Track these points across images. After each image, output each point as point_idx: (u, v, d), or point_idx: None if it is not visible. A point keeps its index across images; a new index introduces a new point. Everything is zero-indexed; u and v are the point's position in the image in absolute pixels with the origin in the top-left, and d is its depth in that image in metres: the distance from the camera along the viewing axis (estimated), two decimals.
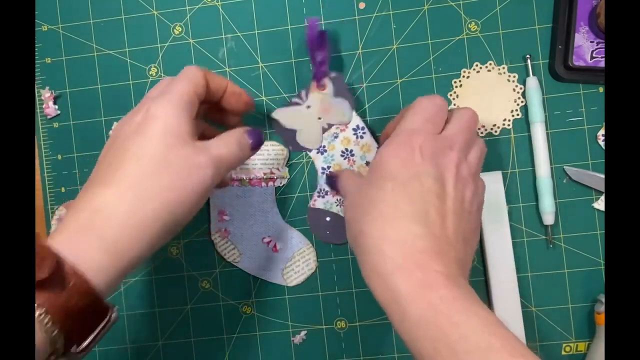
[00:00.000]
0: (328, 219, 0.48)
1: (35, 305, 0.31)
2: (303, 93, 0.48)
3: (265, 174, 0.49)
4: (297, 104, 0.48)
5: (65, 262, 0.31)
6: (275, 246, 0.49)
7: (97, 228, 0.33)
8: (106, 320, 0.34)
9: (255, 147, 0.40)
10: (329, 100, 0.47)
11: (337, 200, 0.48)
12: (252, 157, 0.44)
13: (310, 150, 0.48)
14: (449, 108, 0.43)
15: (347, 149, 0.48)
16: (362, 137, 0.48)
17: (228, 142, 0.38)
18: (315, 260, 0.49)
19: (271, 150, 0.49)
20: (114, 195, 0.34)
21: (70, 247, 0.32)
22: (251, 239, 0.50)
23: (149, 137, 0.35)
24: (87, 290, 0.32)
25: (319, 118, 0.48)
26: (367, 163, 0.47)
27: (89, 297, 0.32)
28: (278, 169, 0.49)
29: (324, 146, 0.48)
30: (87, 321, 0.33)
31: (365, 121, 0.48)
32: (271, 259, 0.49)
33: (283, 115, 0.48)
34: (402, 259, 0.33)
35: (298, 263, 0.49)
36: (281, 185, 0.49)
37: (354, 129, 0.48)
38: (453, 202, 0.36)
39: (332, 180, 0.45)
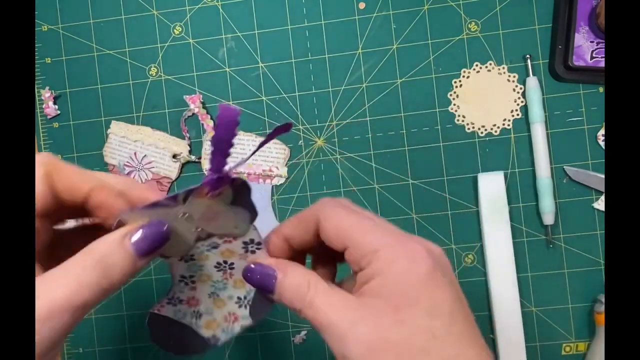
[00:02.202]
0: (175, 329, 0.34)
1: None
2: (180, 196, 0.29)
3: (264, 170, 0.49)
4: (166, 205, 0.29)
5: None
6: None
7: None
8: None
9: (145, 251, 0.27)
10: (218, 209, 0.30)
11: (193, 311, 0.34)
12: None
13: (167, 258, 0.32)
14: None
15: (226, 262, 0.33)
16: (253, 252, 0.32)
17: (80, 272, 0.25)
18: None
19: (272, 148, 0.49)
20: None
21: None
22: None
23: None
24: None
25: (197, 229, 0.31)
26: None
27: None
28: (277, 167, 0.49)
29: (192, 255, 0.32)
30: None
31: (263, 237, 0.34)
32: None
33: (144, 216, 0.29)
34: None
35: None
36: (278, 184, 0.49)
37: (244, 242, 0.32)
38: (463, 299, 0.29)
39: (264, 277, 0.30)
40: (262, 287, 0.30)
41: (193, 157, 0.50)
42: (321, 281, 0.28)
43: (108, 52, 0.51)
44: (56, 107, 0.51)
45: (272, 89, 0.50)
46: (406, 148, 0.49)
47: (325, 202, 0.30)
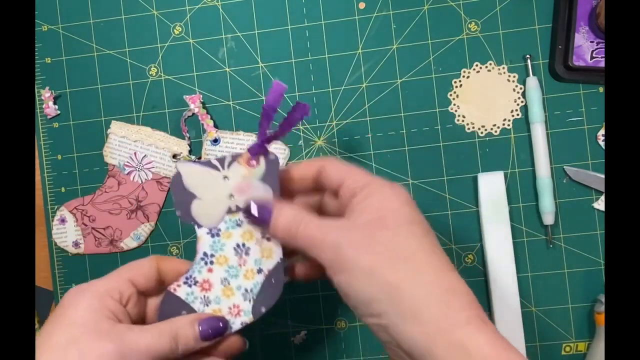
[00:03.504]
0: (184, 313, 0.38)
1: None
2: (227, 159, 0.37)
3: None
4: (214, 167, 0.37)
5: None
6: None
7: None
8: None
9: (208, 337, 0.35)
10: (252, 182, 0.37)
11: (203, 296, 0.38)
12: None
13: (199, 227, 0.37)
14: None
15: (243, 245, 0.37)
16: (268, 240, 0.37)
17: (158, 332, 0.34)
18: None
19: (272, 148, 0.49)
20: None
21: None
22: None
23: (56, 326, 0.33)
24: None
25: (231, 196, 0.37)
26: (260, 271, 0.37)
27: None
28: None
29: (219, 230, 0.37)
30: None
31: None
32: None
33: (190, 172, 0.37)
34: (469, 312, 0.30)
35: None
36: None
37: None
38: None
39: (261, 211, 0.35)
40: (261, 220, 0.35)
41: (193, 157, 0.50)
42: (311, 214, 0.34)
43: (108, 52, 0.51)
44: (56, 107, 0.51)
45: None
46: (406, 148, 0.49)
47: (328, 158, 0.37)
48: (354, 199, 0.33)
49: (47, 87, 0.51)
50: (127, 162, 0.51)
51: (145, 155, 0.50)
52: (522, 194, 0.48)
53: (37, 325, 0.51)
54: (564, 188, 0.48)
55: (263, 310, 0.37)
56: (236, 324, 0.37)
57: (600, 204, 0.47)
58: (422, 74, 0.49)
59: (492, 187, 0.47)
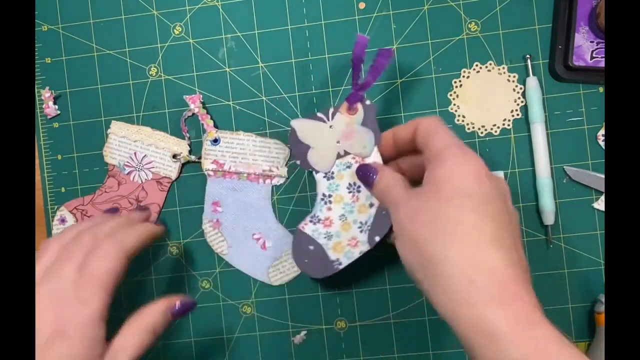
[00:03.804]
0: (311, 247, 0.44)
1: None
2: (330, 111, 0.44)
3: (264, 170, 0.49)
4: (320, 119, 0.44)
5: None
6: (264, 244, 0.49)
7: None
8: None
9: (178, 316, 0.40)
10: (354, 127, 0.43)
11: (326, 232, 0.44)
12: (253, 153, 0.44)
13: (317, 172, 0.44)
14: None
15: (355, 184, 0.43)
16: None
17: (138, 334, 0.38)
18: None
19: (273, 148, 0.49)
20: None
21: None
22: (241, 233, 0.50)
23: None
24: None
25: (338, 142, 0.44)
26: (371, 205, 0.42)
27: None
28: (277, 167, 0.49)
29: (333, 173, 0.44)
30: None
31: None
32: (258, 256, 0.49)
33: (302, 127, 0.44)
34: (497, 289, 0.30)
35: (285, 263, 0.49)
36: (278, 184, 0.49)
37: None
38: (515, 225, 0.35)
39: (367, 174, 0.40)
40: (365, 181, 0.41)
41: (193, 157, 0.50)
42: (401, 180, 0.38)
43: (108, 52, 0.51)
44: (56, 107, 0.51)
45: (272, 89, 0.50)
46: None
47: (426, 117, 0.39)
48: (429, 165, 0.36)
49: (47, 87, 0.51)
50: (127, 162, 0.51)
51: (145, 155, 0.50)
52: (522, 194, 0.48)
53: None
54: (564, 188, 0.48)
55: (377, 239, 0.41)
56: (355, 253, 0.42)
57: (600, 204, 0.47)
58: (422, 74, 0.49)
59: None
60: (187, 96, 0.50)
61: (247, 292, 0.50)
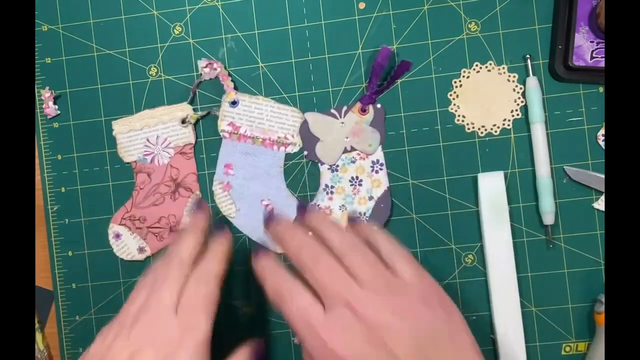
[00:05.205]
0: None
1: None
2: (344, 109, 0.48)
3: (279, 137, 0.49)
4: (333, 115, 0.48)
5: None
6: (272, 211, 0.49)
7: None
8: None
9: None
10: (363, 126, 0.48)
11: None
12: (270, 119, 0.48)
13: (322, 164, 0.48)
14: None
15: (357, 177, 0.48)
16: (376, 172, 0.48)
17: None
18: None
19: (290, 116, 0.49)
20: None
21: None
22: (250, 198, 0.50)
23: None
24: None
25: (347, 138, 0.48)
26: (371, 198, 0.47)
27: None
28: (293, 135, 0.49)
29: (338, 166, 0.48)
30: None
31: (386, 160, 0.48)
32: None
33: (314, 120, 0.48)
34: None
35: None
36: (292, 152, 0.49)
37: (372, 162, 0.48)
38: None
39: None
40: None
41: (200, 112, 0.50)
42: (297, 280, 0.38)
43: (108, 52, 0.51)
44: (56, 107, 0.51)
45: (272, 89, 0.50)
46: (406, 148, 0.49)
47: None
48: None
49: (47, 87, 0.51)
50: (145, 151, 0.50)
51: (157, 136, 0.50)
52: (522, 194, 0.48)
53: (37, 325, 0.51)
54: (564, 188, 0.48)
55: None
56: None
57: (600, 204, 0.47)
58: (422, 74, 0.49)
59: (492, 187, 0.47)
60: (205, 60, 0.49)
61: (247, 292, 0.50)
